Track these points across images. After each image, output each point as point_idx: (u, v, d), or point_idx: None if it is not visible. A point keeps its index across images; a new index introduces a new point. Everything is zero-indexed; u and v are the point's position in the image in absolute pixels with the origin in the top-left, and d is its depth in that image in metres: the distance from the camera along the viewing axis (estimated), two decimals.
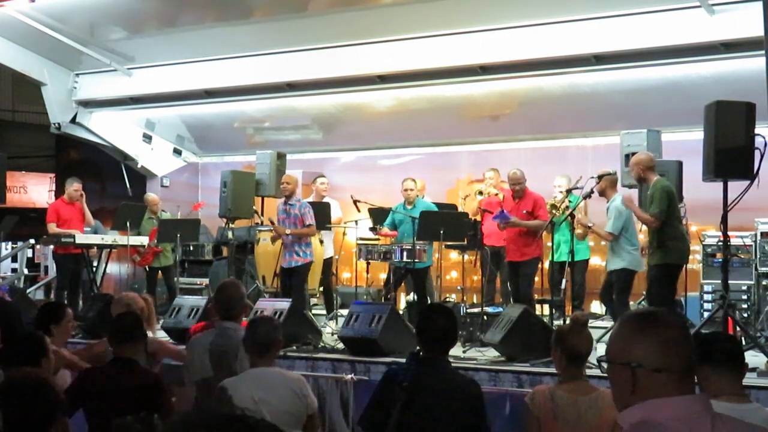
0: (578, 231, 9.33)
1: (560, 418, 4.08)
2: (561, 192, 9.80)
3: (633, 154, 8.96)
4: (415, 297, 10.02)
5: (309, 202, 10.38)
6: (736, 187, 7.25)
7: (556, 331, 4.53)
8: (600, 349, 6.44)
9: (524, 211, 9.28)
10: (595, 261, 11.00)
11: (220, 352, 4.98)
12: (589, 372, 4.41)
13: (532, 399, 4.18)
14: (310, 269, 10.00)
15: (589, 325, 4.48)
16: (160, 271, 11.85)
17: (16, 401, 3.19)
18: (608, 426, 4.07)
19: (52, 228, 11.20)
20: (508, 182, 9.76)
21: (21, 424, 3.17)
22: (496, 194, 10.28)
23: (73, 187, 11.36)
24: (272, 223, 9.93)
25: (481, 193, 10.67)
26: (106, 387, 4.55)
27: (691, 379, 2.14)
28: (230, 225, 11.33)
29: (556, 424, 4.08)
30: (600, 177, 8.52)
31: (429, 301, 10.33)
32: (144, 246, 11.60)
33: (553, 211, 9.17)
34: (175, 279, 11.47)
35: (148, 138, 14.62)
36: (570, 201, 9.34)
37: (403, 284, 10.61)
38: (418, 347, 4.46)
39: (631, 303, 9.02)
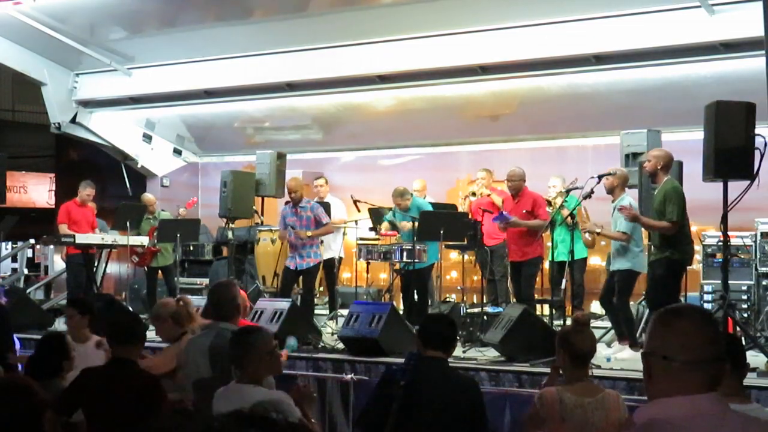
0: (587, 237, 9.30)
1: (567, 419, 4.09)
2: (555, 191, 9.80)
3: (634, 154, 8.97)
4: (416, 296, 9.99)
5: None
6: (736, 187, 7.25)
7: (560, 332, 4.55)
8: (600, 349, 6.45)
9: (524, 211, 9.28)
10: (595, 261, 10.99)
11: (216, 352, 4.98)
12: (595, 372, 4.42)
13: (540, 399, 4.20)
14: (319, 269, 10.01)
15: (590, 325, 4.49)
16: (160, 271, 11.84)
17: None
18: (614, 427, 4.08)
19: (63, 229, 11.24)
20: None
21: (3, 428, 3.15)
22: (488, 195, 10.21)
23: (86, 191, 11.43)
24: (293, 228, 9.79)
25: (474, 194, 10.65)
26: (105, 388, 4.54)
27: (706, 375, 2.14)
28: (230, 225, 11.32)
29: (564, 425, 4.09)
30: (600, 177, 8.50)
31: (430, 302, 10.34)
32: (143, 246, 11.59)
33: (548, 209, 9.18)
34: (175, 279, 11.48)
35: (148, 138, 14.62)
36: (566, 201, 9.33)
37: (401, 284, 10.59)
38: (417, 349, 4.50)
39: (631, 303, 9.02)
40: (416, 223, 9.52)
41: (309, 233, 9.73)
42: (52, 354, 4.91)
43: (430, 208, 10.03)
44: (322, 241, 11.00)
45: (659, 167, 7.78)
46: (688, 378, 2.12)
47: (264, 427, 1.66)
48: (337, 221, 11.36)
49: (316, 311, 10.76)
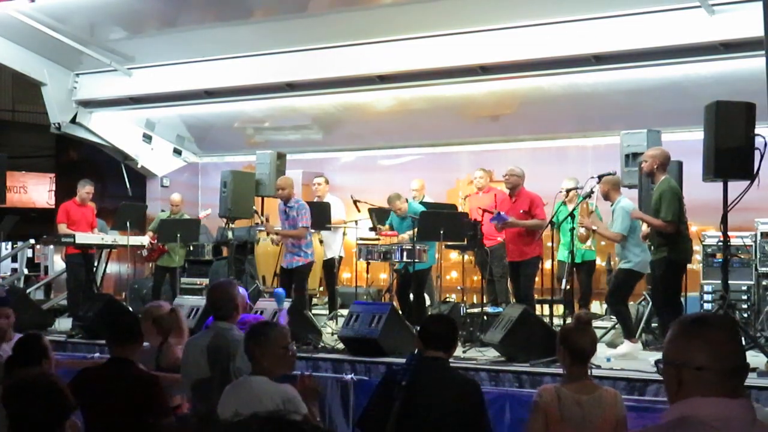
0: (581, 231, 9.27)
1: (566, 417, 4.11)
2: (561, 192, 9.78)
3: (634, 154, 8.96)
4: (412, 297, 9.99)
5: (310, 203, 10.38)
6: (736, 187, 7.25)
7: (561, 329, 4.57)
8: (600, 349, 6.45)
9: (521, 211, 9.26)
10: None
11: (215, 352, 4.98)
12: (595, 372, 4.43)
13: (540, 396, 4.23)
14: (311, 269, 9.99)
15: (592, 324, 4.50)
16: (168, 273, 11.87)
17: (24, 402, 3.18)
18: (611, 424, 4.11)
19: (62, 228, 11.25)
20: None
21: (29, 425, 3.15)
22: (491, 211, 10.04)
23: (85, 190, 11.43)
24: (264, 221, 9.92)
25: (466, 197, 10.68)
26: (104, 387, 4.54)
27: (736, 382, 2.20)
28: (230, 225, 11.33)
29: (562, 422, 4.11)
30: (600, 177, 8.50)
31: (429, 302, 10.34)
32: (146, 245, 11.64)
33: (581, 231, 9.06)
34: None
35: (148, 138, 14.62)
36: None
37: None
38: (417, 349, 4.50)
39: (631, 303, 9.02)
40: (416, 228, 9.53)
41: (276, 230, 9.81)
42: (30, 355, 4.89)
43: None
44: (321, 241, 11.01)
45: (656, 167, 7.79)
46: (721, 387, 2.16)
47: (284, 429, 1.66)
48: (337, 221, 11.36)
49: (316, 311, 10.76)
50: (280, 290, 7.82)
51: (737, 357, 2.21)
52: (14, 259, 17.50)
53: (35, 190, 21.88)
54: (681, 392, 2.19)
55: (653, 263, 7.85)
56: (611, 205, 8.50)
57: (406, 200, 10.25)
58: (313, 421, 4.01)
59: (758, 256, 9.32)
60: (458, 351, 7.96)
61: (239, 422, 1.68)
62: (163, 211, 12.99)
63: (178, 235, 11.21)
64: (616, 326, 8.68)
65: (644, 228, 8.29)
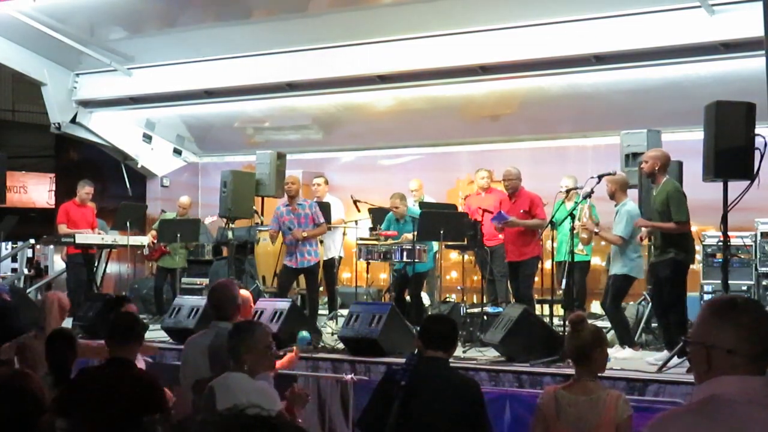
0: (583, 235, 9.27)
1: (562, 416, 4.14)
2: (561, 191, 9.78)
3: (634, 154, 8.96)
4: (409, 298, 9.98)
5: None
6: (736, 187, 7.24)
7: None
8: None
9: (521, 211, 9.27)
10: (595, 261, 10.99)
11: (215, 352, 4.98)
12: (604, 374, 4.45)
13: (540, 399, 4.28)
14: (320, 267, 9.98)
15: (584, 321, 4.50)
16: (169, 274, 11.88)
17: None
18: (609, 425, 4.11)
19: (63, 229, 11.27)
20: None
21: (1, 424, 3.14)
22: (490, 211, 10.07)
23: (85, 190, 11.47)
24: (290, 229, 9.66)
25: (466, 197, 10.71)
26: (103, 387, 4.54)
27: (762, 363, 2.26)
28: (230, 225, 11.33)
29: (558, 422, 4.14)
30: (600, 177, 8.49)
31: (429, 302, 10.34)
32: (147, 243, 11.66)
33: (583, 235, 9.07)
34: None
35: (148, 138, 14.63)
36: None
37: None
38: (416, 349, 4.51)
39: (631, 303, 9.02)
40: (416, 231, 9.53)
41: (305, 233, 9.56)
42: (63, 348, 4.98)
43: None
44: (321, 241, 11.00)
45: (657, 168, 7.79)
46: (748, 367, 2.22)
47: (238, 427, 1.66)
48: (337, 221, 11.35)
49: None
50: (306, 336, 6.94)
51: (765, 342, 2.27)
52: (14, 259, 17.51)
53: (35, 190, 21.89)
54: (710, 373, 2.24)
55: (657, 265, 7.83)
56: (615, 206, 8.47)
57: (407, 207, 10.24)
58: (287, 418, 4.05)
59: (758, 256, 9.33)
60: (458, 351, 7.96)
61: (201, 421, 1.69)
62: (163, 211, 12.99)
63: (178, 235, 11.22)
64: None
65: (644, 231, 8.29)
